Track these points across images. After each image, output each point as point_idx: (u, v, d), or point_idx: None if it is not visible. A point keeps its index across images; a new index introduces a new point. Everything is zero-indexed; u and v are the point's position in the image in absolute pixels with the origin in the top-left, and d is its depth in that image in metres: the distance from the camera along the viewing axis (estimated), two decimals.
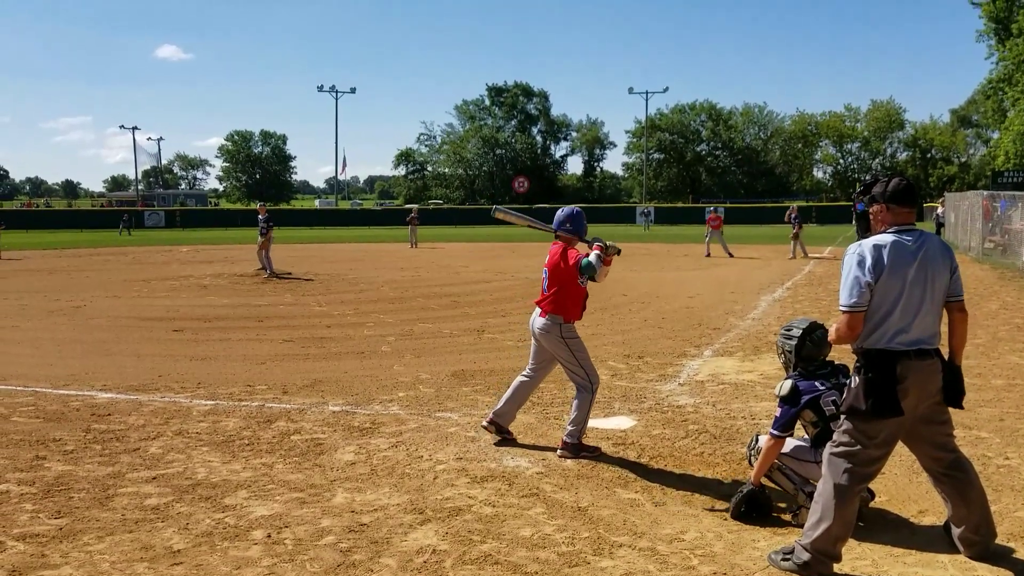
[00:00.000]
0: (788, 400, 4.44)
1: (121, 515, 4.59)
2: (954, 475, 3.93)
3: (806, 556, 3.76)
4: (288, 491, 4.98)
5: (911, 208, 3.82)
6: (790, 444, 4.55)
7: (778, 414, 4.45)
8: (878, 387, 3.66)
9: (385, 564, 3.95)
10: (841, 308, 3.74)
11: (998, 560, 3.92)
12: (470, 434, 6.18)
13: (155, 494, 4.93)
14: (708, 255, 25.04)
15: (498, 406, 6.00)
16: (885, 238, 3.73)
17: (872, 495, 4.57)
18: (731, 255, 24.50)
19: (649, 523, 4.47)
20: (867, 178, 4.23)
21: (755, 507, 4.52)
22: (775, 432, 4.44)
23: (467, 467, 5.42)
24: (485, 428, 5.99)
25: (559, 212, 5.93)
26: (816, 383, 4.49)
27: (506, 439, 5.96)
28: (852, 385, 3.77)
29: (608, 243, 5.63)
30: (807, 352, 4.59)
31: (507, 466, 5.44)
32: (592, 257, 5.55)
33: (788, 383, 4.48)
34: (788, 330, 4.70)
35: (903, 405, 3.67)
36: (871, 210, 3.88)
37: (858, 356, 3.79)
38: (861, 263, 3.70)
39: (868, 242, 3.76)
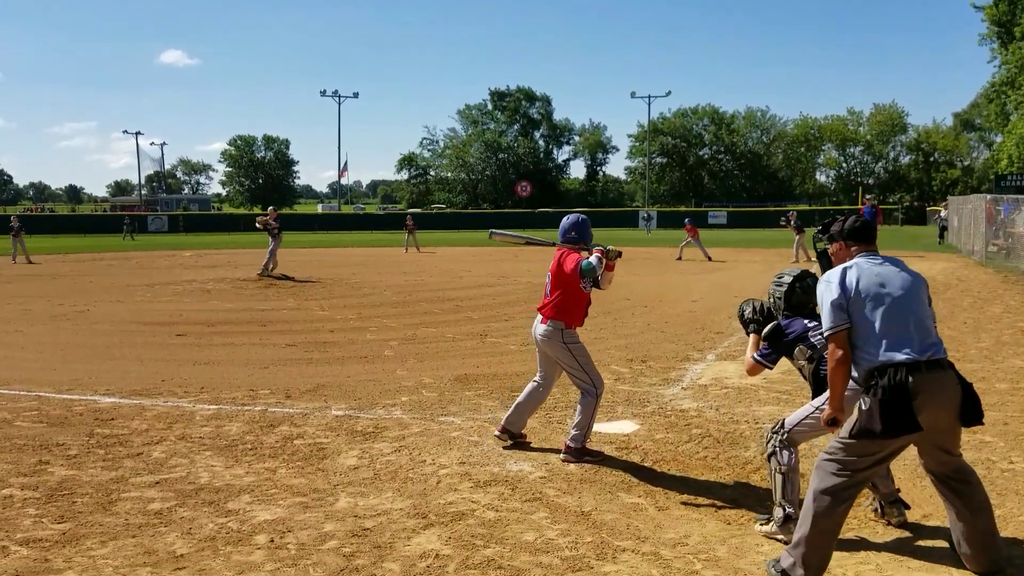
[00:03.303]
0: (769, 338, 4.64)
1: (124, 520, 4.59)
2: (957, 478, 3.90)
3: (789, 561, 3.73)
4: (291, 495, 4.98)
5: (868, 245, 4.00)
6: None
7: (762, 347, 4.69)
8: (892, 404, 3.58)
9: (388, 569, 3.95)
10: (824, 335, 3.88)
11: (1002, 564, 3.90)
12: (473, 438, 6.17)
13: (158, 499, 4.93)
14: (679, 259, 25.57)
15: (509, 412, 5.98)
16: (849, 262, 3.94)
17: (907, 506, 4.52)
18: (709, 258, 24.97)
19: (652, 527, 4.47)
20: (827, 220, 4.49)
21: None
22: (756, 357, 4.68)
23: (470, 471, 5.42)
24: (498, 437, 5.96)
25: (564, 220, 5.91)
26: (804, 321, 4.61)
27: (519, 443, 5.96)
28: (863, 407, 3.67)
29: (608, 247, 5.59)
30: (796, 299, 4.71)
31: (510, 470, 5.44)
32: (593, 259, 5.48)
33: (771, 324, 4.68)
34: (780, 277, 4.84)
35: (920, 420, 3.58)
36: (830, 249, 4.15)
37: (866, 378, 3.73)
38: (828, 287, 3.85)
39: (834, 269, 3.97)
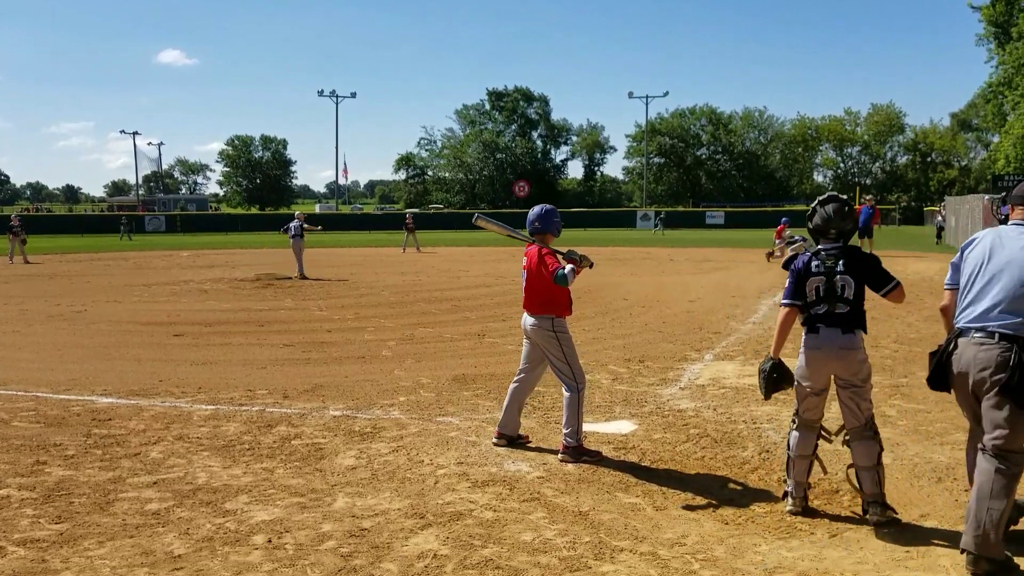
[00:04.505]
0: (785, 267, 4.76)
1: (122, 520, 4.58)
2: (995, 461, 3.77)
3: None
4: (289, 496, 4.98)
5: None
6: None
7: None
8: (933, 362, 3.92)
9: (386, 569, 3.95)
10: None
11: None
12: (471, 438, 6.18)
13: (156, 499, 4.93)
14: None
15: (501, 418, 6.02)
16: (995, 228, 3.99)
17: (892, 509, 4.51)
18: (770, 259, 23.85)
19: (650, 527, 4.47)
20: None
21: (780, 372, 4.63)
22: (783, 301, 4.60)
23: (468, 471, 5.42)
24: (496, 444, 5.99)
25: (530, 211, 6.00)
26: (807, 256, 4.59)
27: (518, 444, 5.98)
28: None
29: (580, 255, 5.72)
30: (816, 222, 4.63)
31: (508, 470, 5.44)
32: (567, 270, 5.60)
33: (788, 256, 4.76)
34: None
35: (953, 381, 3.85)
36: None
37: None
38: (962, 247, 4.03)
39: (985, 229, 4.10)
